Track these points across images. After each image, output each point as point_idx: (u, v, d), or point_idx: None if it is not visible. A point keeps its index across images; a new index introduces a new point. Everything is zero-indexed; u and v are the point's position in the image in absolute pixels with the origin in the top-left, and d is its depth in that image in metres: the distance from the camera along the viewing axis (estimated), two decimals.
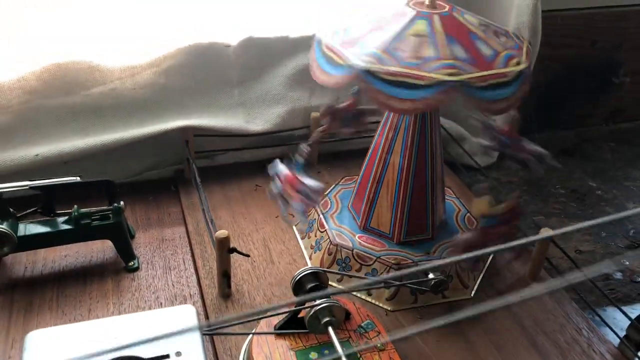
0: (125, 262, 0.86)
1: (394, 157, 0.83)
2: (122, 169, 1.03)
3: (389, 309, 0.82)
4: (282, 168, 0.81)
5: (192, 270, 0.86)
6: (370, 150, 0.86)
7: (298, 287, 0.71)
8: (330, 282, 0.83)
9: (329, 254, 0.86)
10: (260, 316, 0.71)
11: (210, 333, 0.68)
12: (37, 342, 0.58)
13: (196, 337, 0.59)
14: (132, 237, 0.91)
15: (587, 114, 1.41)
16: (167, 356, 0.57)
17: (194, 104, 1.03)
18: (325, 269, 0.75)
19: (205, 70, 1.02)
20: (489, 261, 0.91)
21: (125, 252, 0.85)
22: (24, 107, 0.94)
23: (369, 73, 0.69)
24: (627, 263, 1.01)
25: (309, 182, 0.77)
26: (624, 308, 0.84)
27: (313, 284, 0.71)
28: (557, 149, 1.32)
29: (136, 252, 0.88)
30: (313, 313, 0.67)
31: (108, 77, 0.96)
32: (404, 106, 0.69)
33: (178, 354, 0.57)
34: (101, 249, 0.88)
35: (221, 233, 0.78)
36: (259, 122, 1.05)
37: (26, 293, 0.81)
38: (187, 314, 0.62)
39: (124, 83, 0.98)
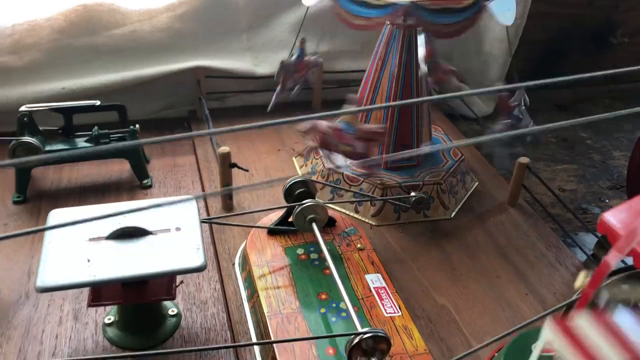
0: (139, 180, 0.95)
1: (381, 90, 0.91)
2: (141, 108, 1.12)
3: (374, 223, 0.90)
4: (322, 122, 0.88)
5: (200, 189, 0.96)
6: (360, 87, 0.94)
7: (289, 192, 0.80)
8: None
9: (322, 177, 0.94)
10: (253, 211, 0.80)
11: (208, 221, 0.77)
12: (58, 218, 0.68)
13: (194, 216, 0.68)
14: (147, 162, 1.01)
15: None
16: (168, 230, 0.66)
17: (206, 47, 1.12)
18: (313, 180, 0.83)
19: (216, 16, 1.11)
20: (473, 187, 0.99)
21: (140, 170, 0.95)
22: (53, 45, 1.04)
23: None
24: (608, 201, 1.07)
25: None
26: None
27: (301, 190, 0.79)
28: (552, 105, 1.38)
29: (150, 175, 0.98)
30: (299, 210, 0.76)
31: (128, 19, 1.06)
32: (360, 23, 0.78)
33: (177, 229, 0.66)
34: (118, 170, 0.98)
35: (223, 149, 0.87)
36: (265, 65, 1.14)
37: (51, 203, 0.91)
38: (188, 203, 0.71)
39: (142, 25, 1.07)
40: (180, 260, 0.63)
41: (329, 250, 0.74)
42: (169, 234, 0.66)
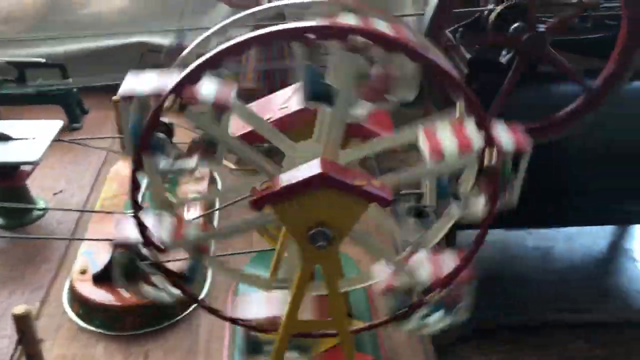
0: (70, 123, 1.21)
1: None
2: (98, 75, 1.39)
3: None
4: None
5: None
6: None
7: None
8: None
9: None
10: None
11: (60, 140, 1.01)
12: None
13: (53, 133, 0.92)
14: (86, 113, 1.27)
15: None
16: (27, 138, 0.90)
17: (150, 26, 1.38)
18: None
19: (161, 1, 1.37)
20: None
21: (72, 115, 1.22)
22: (35, 19, 1.35)
23: None
24: None
25: None
26: None
27: None
28: None
29: (82, 121, 1.24)
30: None
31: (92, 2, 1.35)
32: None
33: (34, 138, 0.90)
34: (59, 116, 1.24)
35: (115, 98, 1.11)
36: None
37: None
38: (54, 124, 0.95)
39: (102, 7, 1.36)
40: (24, 155, 0.87)
41: None
42: (27, 141, 0.90)
